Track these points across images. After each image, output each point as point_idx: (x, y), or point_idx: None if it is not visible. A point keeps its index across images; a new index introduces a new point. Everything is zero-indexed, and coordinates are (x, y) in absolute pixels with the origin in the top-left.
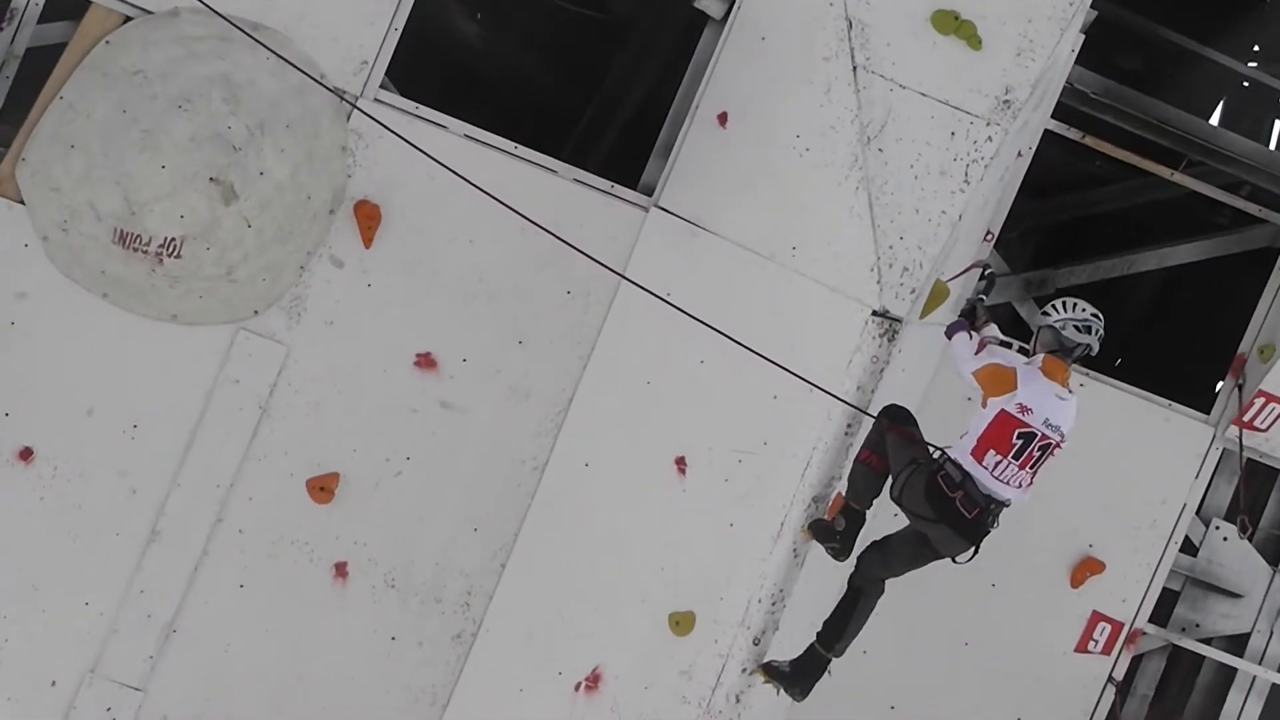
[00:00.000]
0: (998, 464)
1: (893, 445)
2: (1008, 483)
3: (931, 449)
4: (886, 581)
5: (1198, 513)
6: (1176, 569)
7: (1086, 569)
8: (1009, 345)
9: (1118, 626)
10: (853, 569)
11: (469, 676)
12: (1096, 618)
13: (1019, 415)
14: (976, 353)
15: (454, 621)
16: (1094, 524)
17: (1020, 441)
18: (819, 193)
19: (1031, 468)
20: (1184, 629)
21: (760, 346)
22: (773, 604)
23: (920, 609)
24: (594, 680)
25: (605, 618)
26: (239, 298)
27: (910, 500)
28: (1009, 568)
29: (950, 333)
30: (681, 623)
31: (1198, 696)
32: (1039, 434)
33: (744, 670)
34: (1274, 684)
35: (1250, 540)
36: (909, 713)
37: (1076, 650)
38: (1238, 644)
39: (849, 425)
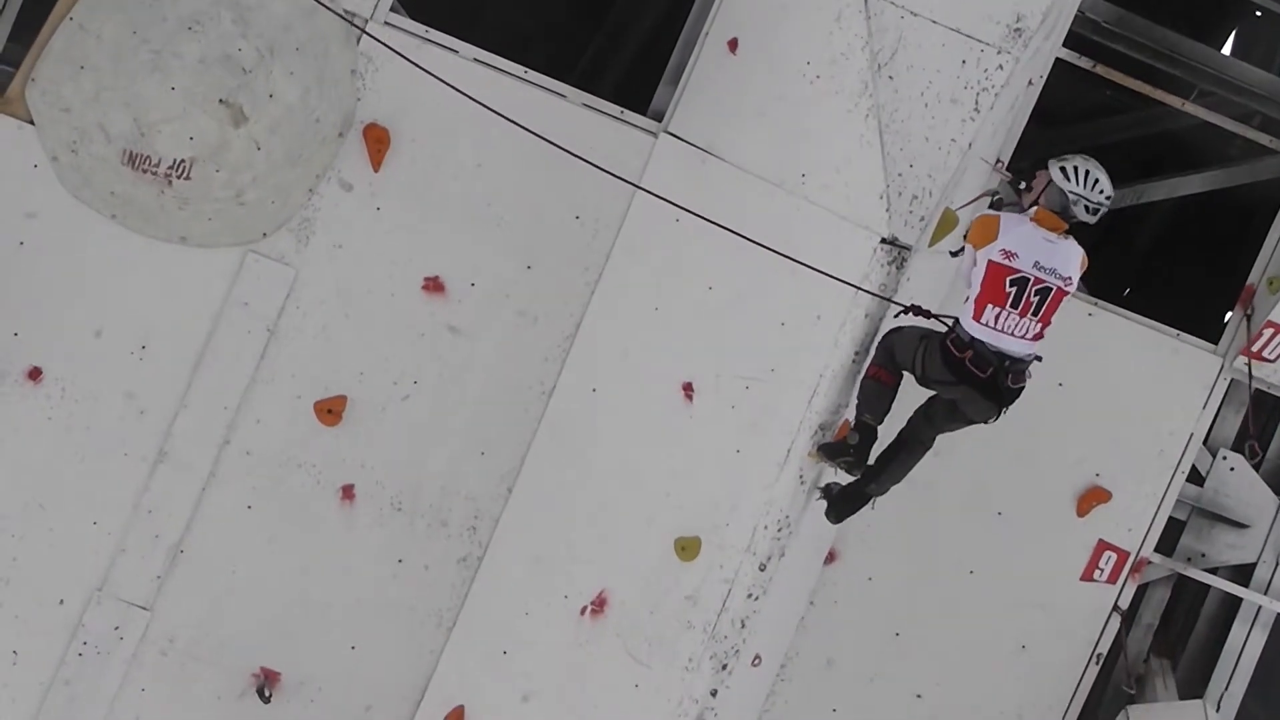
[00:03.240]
0: (998, 316)
1: (901, 343)
2: (1015, 334)
3: (943, 321)
4: (935, 440)
5: (1205, 443)
6: (1183, 499)
7: (1093, 498)
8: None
9: (1124, 555)
10: (904, 425)
11: (475, 600)
12: (1102, 546)
13: (1006, 262)
14: None
15: (460, 545)
16: (1101, 453)
17: (1014, 289)
18: (829, 120)
19: (1035, 315)
20: (1190, 559)
21: (769, 272)
22: (779, 530)
23: (926, 537)
24: (599, 604)
25: (611, 543)
26: (248, 220)
27: (932, 371)
28: (1016, 496)
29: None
30: (687, 548)
31: (1203, 626)
32: (1031, 278)
33: (750, 596)
34: (1279, 614)
35: (1258, 469)
36: (914, 640)
37: (1082, 579)
38: (1243, 574)
39: (856, 353)
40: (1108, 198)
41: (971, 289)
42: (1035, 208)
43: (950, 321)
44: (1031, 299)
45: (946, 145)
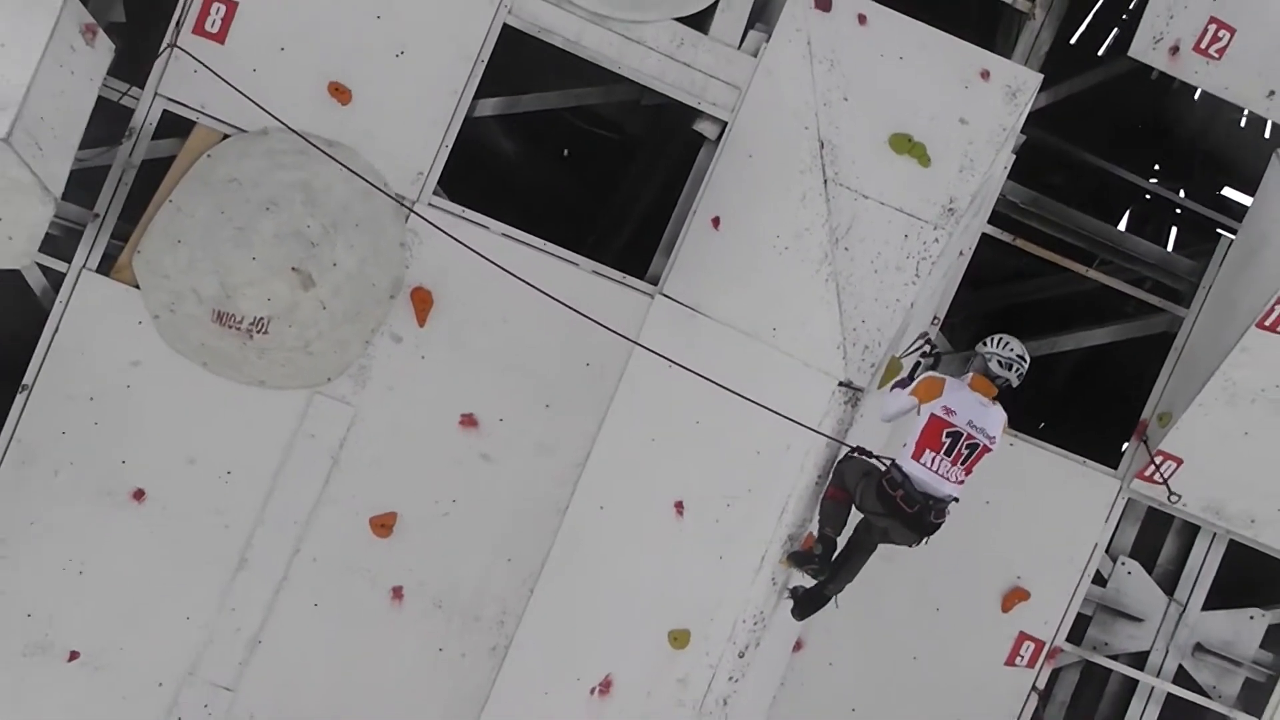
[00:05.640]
0: (933, 460)
1: (850, 472)
2: (944, 477)
3: (881, 461)
4: (877, 546)
5: (1107, 551)
6: (1089, 597)
7: (1015, 597)
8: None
9: (1040, 644)
10: (851, 534)
11: (503, 682)
12: (1023, 637)
13: (946, 417)
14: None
15: (490, 636)
16: (1021, 559)
17: (949, 440)
18: (795, 284)
19: (963, 464)
20: (1095, 647)
21: (747, 411)
22: (755, 624)
23: (877, 629)
24: (606, 686)
25: (615, 634)
26: (315, 367)
27: (867, 503)
28: (951, 595)
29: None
30: (679, 639)
31: (1106, 704)
32: (964, 433)
33: (730, 679)
34: (1169, 694)
35: (1150, 572)
36: (868, 714)
37: (1006, 664)
38: (1139, 660)
39: (818, 477)
40: (1020, 356)
41: (911, 436)
42: (971, 374)
43: (888, 463)
44: (963, 450)
45: (893, 304)
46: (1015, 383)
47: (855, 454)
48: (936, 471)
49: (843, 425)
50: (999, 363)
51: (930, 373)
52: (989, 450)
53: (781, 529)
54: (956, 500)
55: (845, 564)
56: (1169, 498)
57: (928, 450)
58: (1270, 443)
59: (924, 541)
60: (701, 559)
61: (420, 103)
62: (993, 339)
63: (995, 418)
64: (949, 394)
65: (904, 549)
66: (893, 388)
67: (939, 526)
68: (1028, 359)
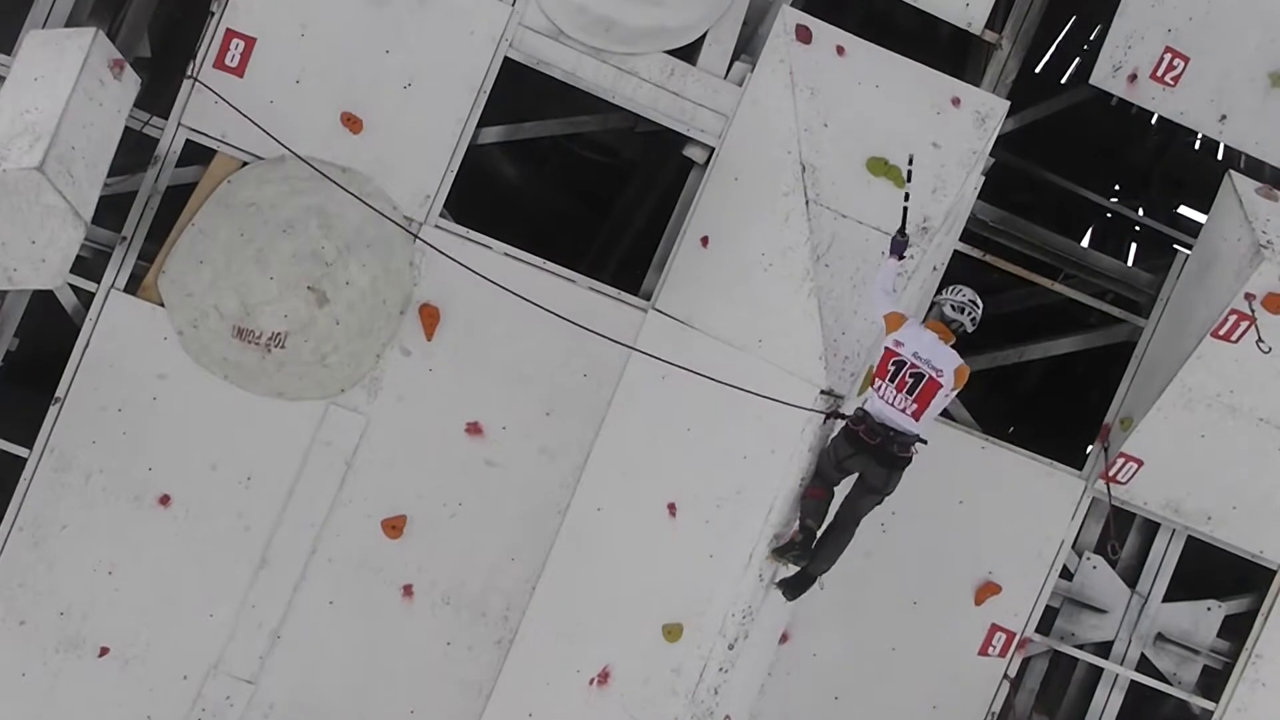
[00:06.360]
0: (881, 389)
1: (823, 460)
2: (895, 407)
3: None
4: (859, 523)
5: (1073, 547)
6: (1056, 590)
7: (987, 591)
8: None
9: (1011, 635)
10: (833, 515)
11: (507, 674)
12: (995, 629)
13: (894, 348)
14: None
15: (496, 630)
16: (993, 556)
17: (894, 368)
18: (780, 298)
19: (909, 394)
20: (1062, 637)
21: (735, 418)
22: (744, 617)
23: (858, 622)
24: (604, 677)
25: (613, 628)
26: (330, 379)
27: (840, 449)
28: (926, 590)
29: (892, 252)
30: (672, 632)
31: (1074, 690)
32: (908, 362)
33: (721, 669)
34: (1131, 681)
35: (1114, 567)
36: (850, 702)
37: (979, 654)
38: (1104, 649)
39: (802, 479)
40: (971, 300)
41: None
42: (928, 319)
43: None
44: (907, 379)
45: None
46: (969, 327)
47: (833, 417)
48: (884, 399)
49: (826, 430)
50: (952, 306)
51: (896, 309)
52: (938, 385)
53: (768, 528)
54: (923, 441)
55: (827, 543)
56: (1111, 501)
57: (877, 379)
58: (1225, 444)
59: (893, 481)
60: (693, 557)
61: (427, 131)
62: (948, 288)
63: (946, 356)
64: (904, 329)
65: (893, 548)
66: (894, 250)
67: (906, 462)
68: (980, 303)
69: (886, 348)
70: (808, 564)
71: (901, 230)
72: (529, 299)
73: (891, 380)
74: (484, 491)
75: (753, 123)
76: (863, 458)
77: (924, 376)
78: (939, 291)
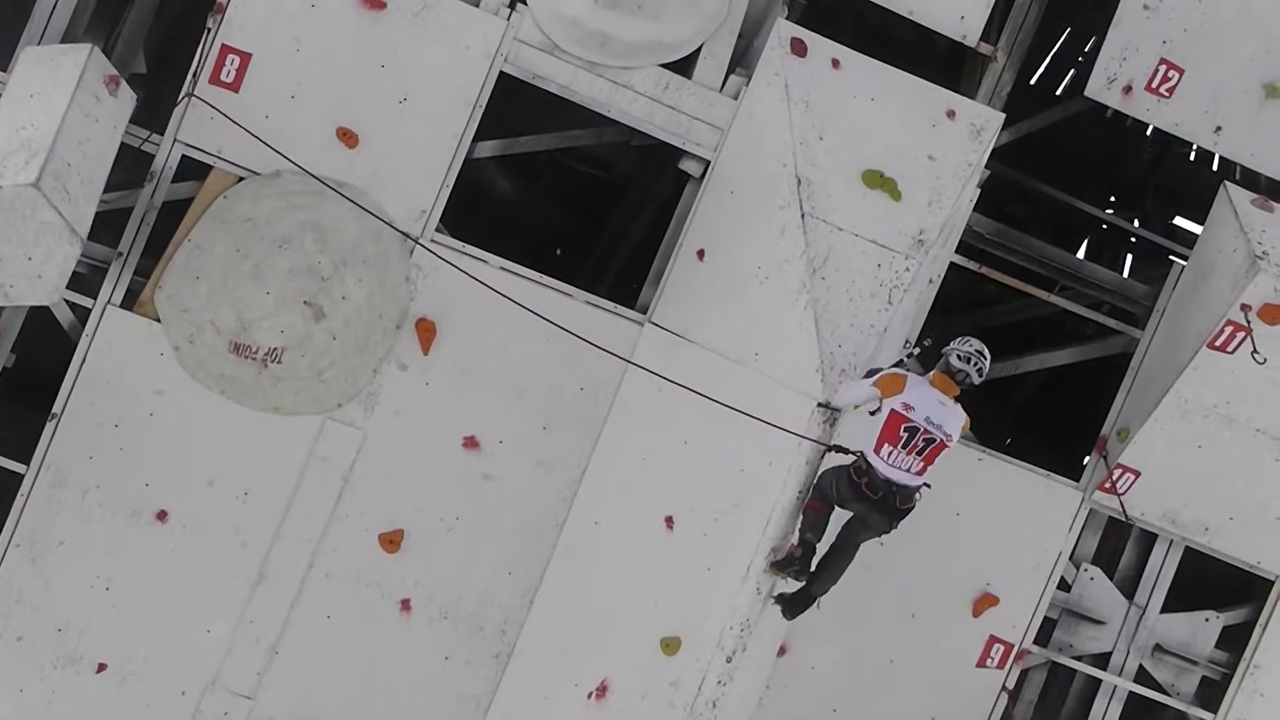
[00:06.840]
0: (891, 454)
1: (825, 479)
2: (902, 468)
3: (851, 453)
4: (859, 547)
5: (1070, 558)
6: (1054, 602)
7: (985, 602)
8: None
9: (1009, 647)
10: (835, 537)
11: (505, 688)
12: (993, 640)
13: (904, 413)
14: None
15: (493, 644)
16: (991, 567)
17: (906, 434)
18: (776, 311)
19: (919, 455)
20: (1060, 649)
21: (732, 431)
22: (741, 630)
23: (856, 634)
24: (602, 690)
25: (611, 641)
26: (326, 394)
27: (840, 494)
28: (925, 602)
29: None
30: (670, 645)
31: (1072, 701)
32: (921, 428)
33: (719, 682)
34: (1130, 692)
35: (1111, 577)
36: (848, 714)
37: (977, 665)
38: (1101, 660)
39: (799, 492)
40: (979, 351)
41: (876, 431)
42: (933, 372)
43: (858, 454)
44: (919, 443)
45: (867, 330)
46: (976, 379)
47: (830, 450)
48: (892, 463)
49: (822, 441)
50: (958, 356)
51: (894, 369)
52: (946, 446)
53: (765, 541)
54: (928, 486)
55: (829, 565)
56: (1124, 516)
57: (886, 444)
58: (1221, 455)
59: (894, 526)
60: (691, 570)
61: (423, 145)
62: (957, 338)
63: (954, 416)
64: (910, 390)
65: (891, 560)
66: (874, 412)
67: (908, 511)
68: (988, 355)
69: (895, 411)
70: (808, 584)
71: (909, 354)
72: (526, 307)
73: (904, 447)
74: (481, 505)
75: (748, 136)
76: (863, 506)
77: (935, 440)
78: (947, 342)
